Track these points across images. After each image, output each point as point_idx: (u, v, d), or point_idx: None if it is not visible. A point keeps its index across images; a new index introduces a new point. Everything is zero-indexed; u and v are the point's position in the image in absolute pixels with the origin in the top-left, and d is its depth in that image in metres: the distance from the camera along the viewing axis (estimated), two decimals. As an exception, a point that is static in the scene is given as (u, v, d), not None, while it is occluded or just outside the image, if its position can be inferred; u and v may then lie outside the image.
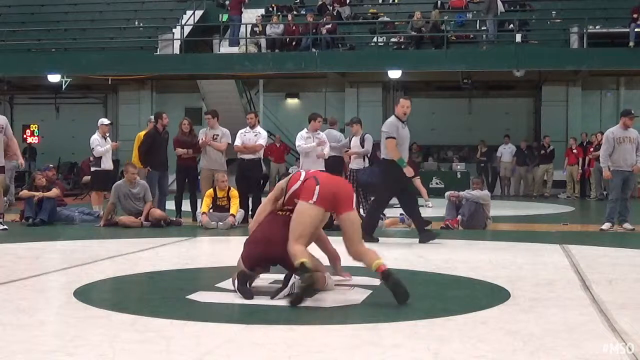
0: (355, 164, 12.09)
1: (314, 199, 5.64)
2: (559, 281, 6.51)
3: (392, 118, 9.64)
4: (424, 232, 9.54)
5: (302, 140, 11.67)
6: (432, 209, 15.17)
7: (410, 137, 9.82)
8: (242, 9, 22.70)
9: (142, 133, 13.53)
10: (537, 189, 20.75)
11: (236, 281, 5.65)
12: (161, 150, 12.62)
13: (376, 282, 6.23)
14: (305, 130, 11.82)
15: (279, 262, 5.77)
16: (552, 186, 20.78)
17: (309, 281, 5.33)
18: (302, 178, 5.85)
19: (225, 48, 22.16)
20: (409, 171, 9.45)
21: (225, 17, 23.28)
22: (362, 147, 12.11)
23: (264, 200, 6.77)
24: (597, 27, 19.84)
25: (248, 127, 12.16)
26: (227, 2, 23.87)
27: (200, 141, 12.25)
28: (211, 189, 11.75)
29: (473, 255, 8.34)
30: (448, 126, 23.27)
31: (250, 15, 22.73)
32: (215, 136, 12.30)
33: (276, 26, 21.47)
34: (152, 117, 13.86)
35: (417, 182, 17.39)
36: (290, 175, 6.11)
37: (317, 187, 5.68)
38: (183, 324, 4.74)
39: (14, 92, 25.41)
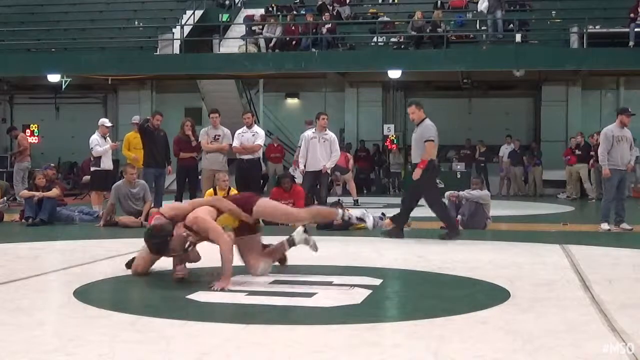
0: None
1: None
2: (559, 281, 6.50)
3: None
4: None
5: (303, 140, 11.93)
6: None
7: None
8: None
9: (130, 134, 13.75)
10: (536, 189, 20.72)
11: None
12: (157, 148, 12.66)
13: (376, 282, 6.24)
14: (312, 130, 11.99)
15: None
16: (552, 186, 20.76)
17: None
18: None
19: (225, 47, 22.14)
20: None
21: (225, 17, 23.26)
22: None
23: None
24: (597, 27, 19.80)
25: (245, 127, 12.17)
26: (227, 2, 23.86)
27: (204, 143, 12.35)
28: (211, 189, 11.75)
29: (473, 255, 8.33)
30: (448, 126, 23.20)
31: (250, 15, 22.72)
32: (216, 136, 12.32)
33: (273, 28, 21.43)
34: (136, 117, 14.22)
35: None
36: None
37: None
38: (183, 324, 4.74)
39: (14, 92, 25.39)
